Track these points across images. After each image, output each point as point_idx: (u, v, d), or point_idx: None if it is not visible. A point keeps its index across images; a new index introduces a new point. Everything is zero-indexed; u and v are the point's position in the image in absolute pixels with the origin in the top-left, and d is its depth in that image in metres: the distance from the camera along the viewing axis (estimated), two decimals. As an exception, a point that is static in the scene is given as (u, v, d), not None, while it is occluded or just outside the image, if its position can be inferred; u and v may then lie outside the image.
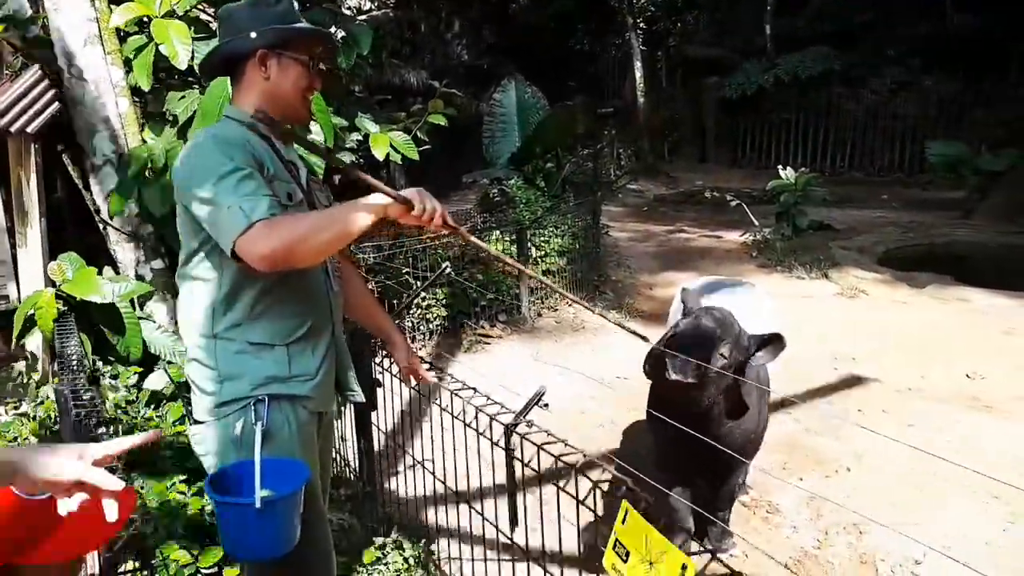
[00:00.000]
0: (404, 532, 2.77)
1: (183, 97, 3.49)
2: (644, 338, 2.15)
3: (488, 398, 2.24)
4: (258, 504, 1.65)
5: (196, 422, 1.91)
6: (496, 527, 2.18)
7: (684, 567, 1.45)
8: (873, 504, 3.61)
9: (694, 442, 2.63)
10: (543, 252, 6.47)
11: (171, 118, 3.67)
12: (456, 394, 2.30)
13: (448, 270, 2.99)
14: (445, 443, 2.44)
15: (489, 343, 5.53)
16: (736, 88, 15.62)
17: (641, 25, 17.71)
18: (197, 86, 3.63)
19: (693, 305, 2.94)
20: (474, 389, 2.30)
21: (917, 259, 8.55)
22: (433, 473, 2.58)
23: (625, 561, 1.57)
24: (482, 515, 2.27)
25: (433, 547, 2.72)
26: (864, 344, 5.70)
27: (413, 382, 2.34)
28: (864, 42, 14.86)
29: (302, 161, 2.06)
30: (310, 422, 1.95)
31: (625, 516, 1.61)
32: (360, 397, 2.18)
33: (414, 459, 2.62)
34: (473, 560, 2.27)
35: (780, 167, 9.67)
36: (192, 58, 3.46)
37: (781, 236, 8.98)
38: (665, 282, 7.40)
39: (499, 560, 2.15)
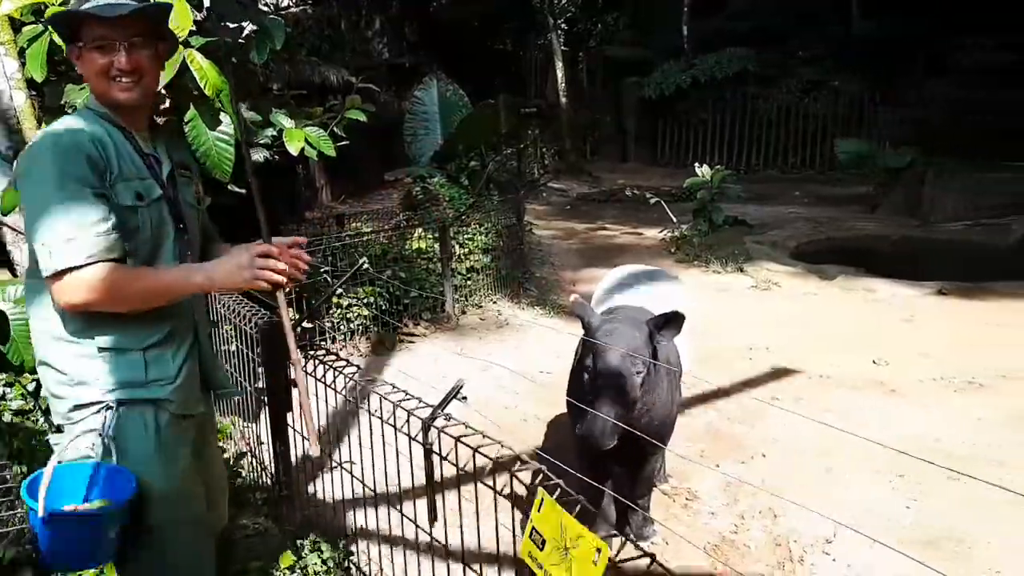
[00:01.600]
0: (322, 534, 2.72)
1: (83, 88, 3.33)
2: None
3: (406, 393, 2.22)
4: (40, 513, 1.60)
5: (58, 429, 1.85)
6: (416, 524, 2.15)
7: (599, 551, 1.46)
8: (787, 488, 3.74)
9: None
10: (467, 250, 6.46)
11: (70, 110, 3.50)
12: (374, 391, 2.26)
13: (366, 266, 2.95)
14: (363, 442, 2.40)
15: (413, 342, 5.49)
16: (655, 88, 15.92)
17: (562, 26, 17.86)
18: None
19: (593, 319, 2.93)
20: (392, 385, 2.28)
21: (827, 253, 8.90)
22: (351, 473, 2.54)
23: (541, 549, 1.58)
24: (401, 512, 2.25)
25: (352, 547, 2.68)
26: (778, 335, 5.89)
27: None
28: (777, 44, 15.36)
29: (167, 153, 1.98)
30: (174, 425, 1.89)
31: (541, 504, 1.61)
32: (232, 392, 2.13)
33: (331, 460, 2.57)
34: (393, 559, 2.25)
35: (697, 165, 9.90)
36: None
37: (698, 232, 9.19)
38: (588, 278, 7.48)
39: (419, 557, 2.13)
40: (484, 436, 1.93)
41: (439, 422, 2.03)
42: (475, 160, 8.93)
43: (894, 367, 5.20)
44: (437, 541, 2.07)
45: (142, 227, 1.82)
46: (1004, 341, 5.56)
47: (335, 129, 4.57)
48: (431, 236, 6.19)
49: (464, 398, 2.11)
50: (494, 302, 6.20)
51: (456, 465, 1.93)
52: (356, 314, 5.27)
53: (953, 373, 5.01)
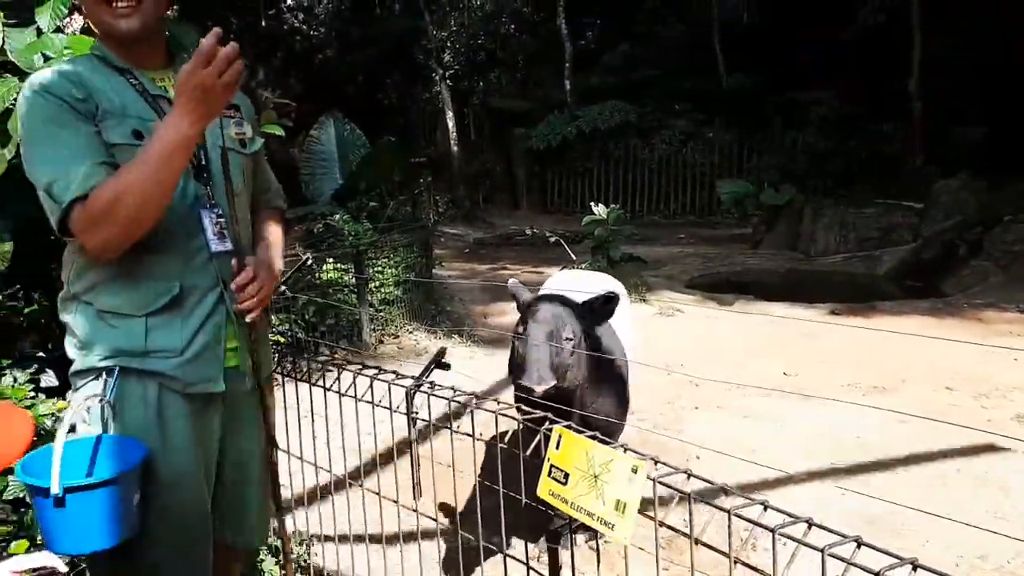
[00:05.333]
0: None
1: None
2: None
3: (380, 368, 2.13)
4: (55, 490, 1.42)
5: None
6: (396, 501, 2.04)
7: (635, 471, 1.43)
8: (728, 482, 3.80)
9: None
10: (378, 282, 6.34)
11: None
12: (344, 368, 2.15)
13: (310, 261, 2.83)
14: (327, 428, 2.27)
15: (332, 370, 5.27)
16: (542, 139, 16.39)
17: (448, 82, 18.22)
18: (13, 75, 3.22)
19: (525, 296, 2.90)
20: (363, 364, 2.18)
21: (719, 284, 9.33)
22: (315, 464, 2.39)
23: (564, 484, 1.52)
24: (379, 494, 2.12)
25: (317, 544, 2.50)
26: (689, 353, 6.07)
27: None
28: (652, 97, 16.22)
29: None
30: (179, 405, 1.71)
31: (559, 442, 1.57)
32: (252, 381, 1.88)
33: (289, 453, 2.41)
34: (367, 544, 2.11)
35: (593, 204, 10.20)
36: (2, 44, 3.07)
37: (598, 268, 9.40)
38: (498, 311, 7.52)
39: (400, 536, 2.01)
40: (476, 396, 1.87)
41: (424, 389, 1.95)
42: (375, 200, 8.86)
43: (803, 376, 5.45)
44: (422, 514, 1.97)
45: None
46: (895, 350, 5.95)
47: (252, 145, 4.42)
48: (342, 267, 6.05)
49: (448, 365, 2.04)
50: (410, 332, 6.09)
51: (449, 426, 1.86)
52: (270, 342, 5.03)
53: (858, 379, 5.31)
